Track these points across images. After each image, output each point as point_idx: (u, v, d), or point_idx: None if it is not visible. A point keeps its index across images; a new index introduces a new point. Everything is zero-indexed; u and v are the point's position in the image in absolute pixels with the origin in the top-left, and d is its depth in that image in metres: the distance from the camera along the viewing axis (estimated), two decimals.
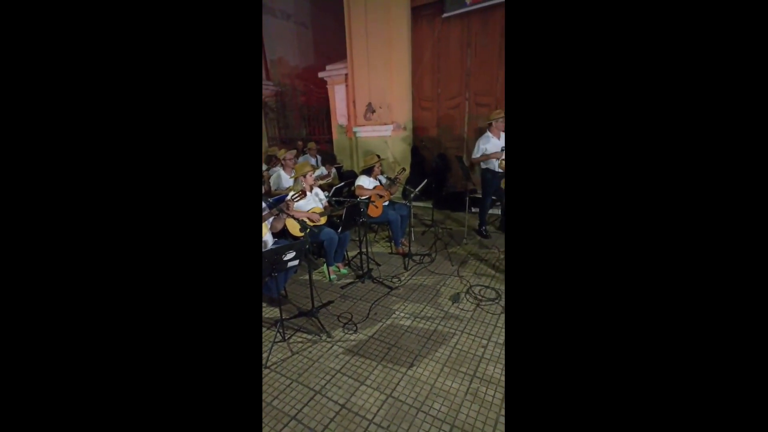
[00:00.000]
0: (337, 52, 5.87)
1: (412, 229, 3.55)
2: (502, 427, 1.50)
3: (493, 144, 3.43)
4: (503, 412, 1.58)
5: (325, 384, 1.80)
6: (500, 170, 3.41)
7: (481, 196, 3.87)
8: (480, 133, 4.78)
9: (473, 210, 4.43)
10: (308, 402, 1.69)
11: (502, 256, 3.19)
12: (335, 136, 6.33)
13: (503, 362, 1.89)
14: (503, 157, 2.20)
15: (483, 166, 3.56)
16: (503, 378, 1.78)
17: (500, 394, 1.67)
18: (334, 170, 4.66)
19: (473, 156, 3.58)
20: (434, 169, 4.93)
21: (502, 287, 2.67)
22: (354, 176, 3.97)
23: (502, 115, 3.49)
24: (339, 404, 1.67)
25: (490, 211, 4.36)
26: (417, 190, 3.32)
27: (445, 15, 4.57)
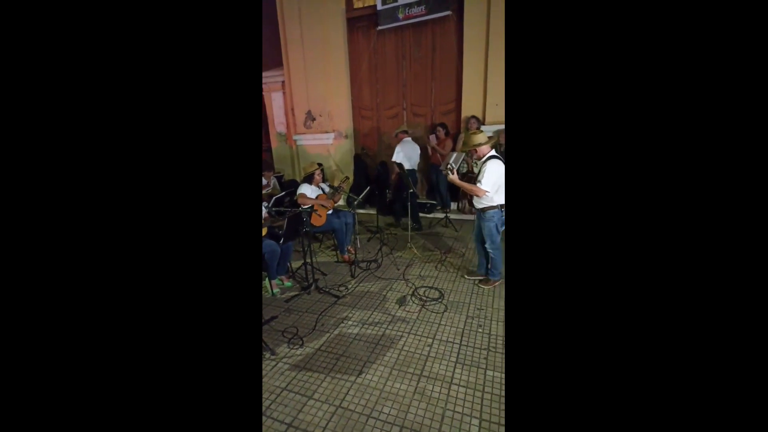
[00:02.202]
0: (273, 60, 5.71)
1: (358, 236, 3.56)
2: (448, 420, 1.57)
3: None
4: (449, 406, 1.65)
5: (270, 404, 1.71)
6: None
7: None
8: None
9: (421, 215, 4.59)
10: None
11: (443, 258, 3.36)
12: (274, 144, 6.11)
13: (447, 359, 1.98)
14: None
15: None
16: (448, 374, 1.86)
17: (445, 390, 1.75)
18: (274, 179, 4.49)
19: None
20: (376, 176, 5.02)
21: (445, 286, 2.81)
22: (296, 185, 3.87)
23: (404, 128, 4.23)
24: (285, 423, 1.59)
25: (432, 215, 4.59)
26: (360, 197, 3.34)
27: (379, 28, 4.72)
